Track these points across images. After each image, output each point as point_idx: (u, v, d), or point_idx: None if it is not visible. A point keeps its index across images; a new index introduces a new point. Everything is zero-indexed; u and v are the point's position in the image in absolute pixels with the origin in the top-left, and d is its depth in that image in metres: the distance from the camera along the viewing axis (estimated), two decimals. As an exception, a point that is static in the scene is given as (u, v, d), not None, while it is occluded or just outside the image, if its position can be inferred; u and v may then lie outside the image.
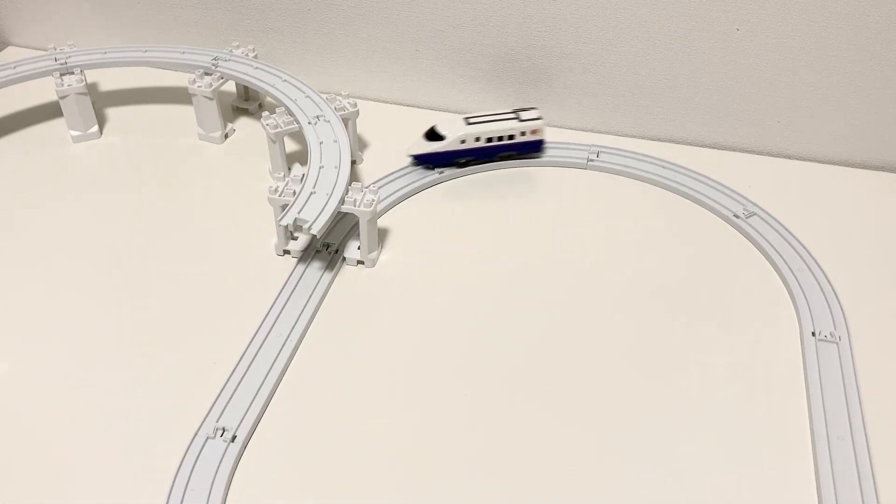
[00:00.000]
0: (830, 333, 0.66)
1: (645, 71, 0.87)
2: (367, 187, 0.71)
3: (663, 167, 0.84)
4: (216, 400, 0.60)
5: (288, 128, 0.78)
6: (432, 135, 0.82)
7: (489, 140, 0.82)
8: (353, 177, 0.82)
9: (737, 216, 0.78)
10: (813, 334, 0.66)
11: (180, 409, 0.60)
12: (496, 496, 0.55)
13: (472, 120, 0.83)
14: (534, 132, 0.83)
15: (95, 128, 0.88)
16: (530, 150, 0.85)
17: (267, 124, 0.79)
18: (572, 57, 0.88)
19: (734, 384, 0.63)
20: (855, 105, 0.84)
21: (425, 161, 0.83)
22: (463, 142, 0.82)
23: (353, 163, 0.84)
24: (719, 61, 0.84)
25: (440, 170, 0.83)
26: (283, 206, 0.69)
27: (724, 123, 0.89)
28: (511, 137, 0.83)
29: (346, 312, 0.69)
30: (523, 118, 0.83)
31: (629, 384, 0.63)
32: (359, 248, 0.73)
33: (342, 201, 0.69)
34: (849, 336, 0.66)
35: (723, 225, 0.78)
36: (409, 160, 0.84)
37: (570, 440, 0.59)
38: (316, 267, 0.72)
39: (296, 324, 0.66)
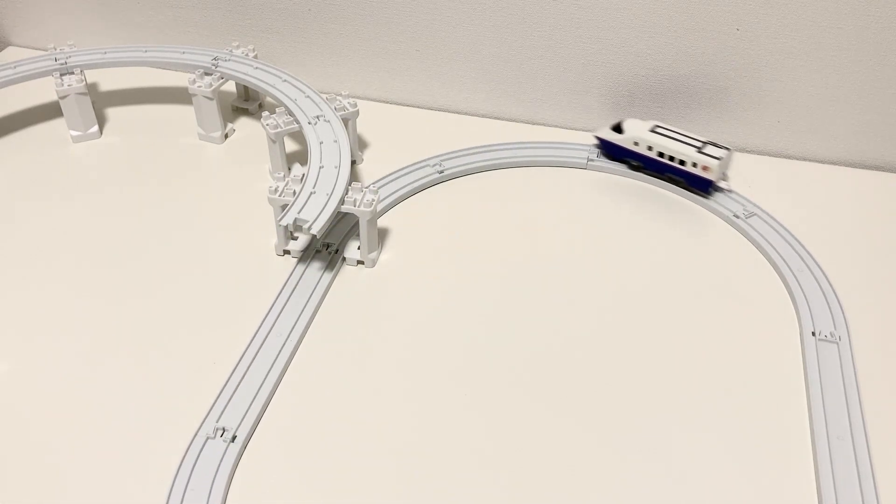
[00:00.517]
0: (830, 333, 0.66)
1: (645, 71, 0.87)
2: (367, 187, 0.71)
3: (663, 167, 0.84)
4: (216, 400, 0.60)
5: (288, 128, 0.78)
6: (617, 127, 0.83)
7: (660, 155, 0.81)
8: (353, 177, 0.82)
9: (737, 216, 0.78)
10: (813, 334, 0.66)
11: (180, 409, 0.60)
12: (496, 496, 0.55)
13: (658, 129, 0.82)
14: (704, 168, 0.78)
15: (95, 128, 0.88)
16: (696, 184, 0.80)
17: (267, 124, 0.79)
18: (572, 57, 0.88)
19: (734, 384, 0.63)
20: (855, 105, 0.84)
21: (602, 147, 0.85)
22: (636, 144, 0.82)
23: (353, 163, 0.84)
24: (719, 61, 0.84)
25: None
26: (283, 206, 0.69)
27: (724, 123, 0.89)
28: (682, 163, 0.79)
29: (346, 312, 0.69)
30: (703, 150, 0.79)
31: (629, 384, 0.63)
32: (359, 248, 0.73)
33: (342, 201, 0.69)
34: (849, 336, 0.66)
35: (723, 225, 0.78)
36: (594, 141, 0.86)
37: (570, 440, 0.59)
38: (316, 267, 0.72)
39: (296, 324, 0.66)
